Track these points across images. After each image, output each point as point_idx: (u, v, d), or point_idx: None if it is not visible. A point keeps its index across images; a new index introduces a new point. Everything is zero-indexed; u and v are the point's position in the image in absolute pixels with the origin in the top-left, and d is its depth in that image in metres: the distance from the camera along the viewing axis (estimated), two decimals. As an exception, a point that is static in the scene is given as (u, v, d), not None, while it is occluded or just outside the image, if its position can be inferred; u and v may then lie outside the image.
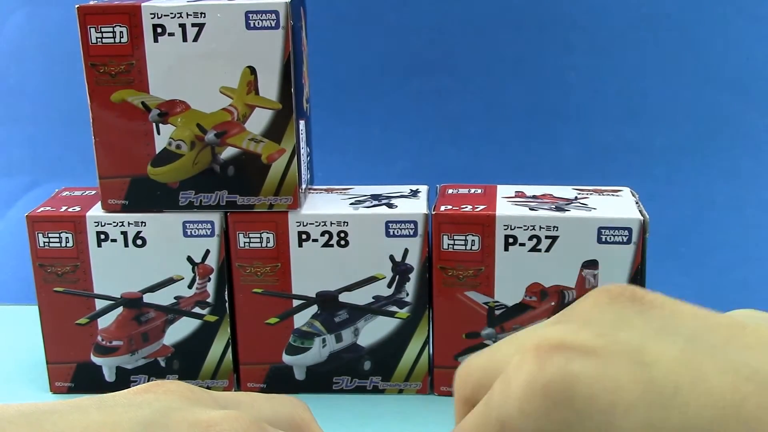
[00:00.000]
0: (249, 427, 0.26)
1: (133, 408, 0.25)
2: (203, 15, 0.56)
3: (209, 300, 0.62)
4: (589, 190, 0.63)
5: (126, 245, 0.60)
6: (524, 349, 0.23)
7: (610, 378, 0.21)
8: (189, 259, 0.61)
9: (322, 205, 0.61)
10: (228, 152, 0.59)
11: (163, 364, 0.63)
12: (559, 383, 0.21)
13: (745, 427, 0.19)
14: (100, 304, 0.62)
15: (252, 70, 0.57)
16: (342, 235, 0.59)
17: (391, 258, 0.60)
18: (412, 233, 0.59)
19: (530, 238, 0.57)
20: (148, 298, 0.62)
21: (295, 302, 0.61)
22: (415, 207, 0.60)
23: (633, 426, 0.20)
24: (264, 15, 0.56)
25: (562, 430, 0.21)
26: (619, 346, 0.22)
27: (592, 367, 0.21)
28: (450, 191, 0.63)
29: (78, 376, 0.64)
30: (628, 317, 0.23)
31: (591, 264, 0.57)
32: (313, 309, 0.61)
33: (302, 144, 0.61)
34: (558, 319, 0.25)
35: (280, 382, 0.63)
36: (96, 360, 0.63)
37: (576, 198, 0.61)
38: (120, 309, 0.62)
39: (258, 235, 0.60)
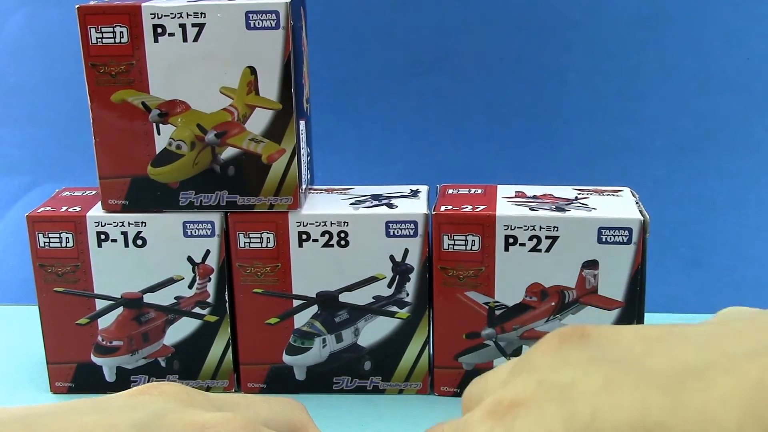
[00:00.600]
0: (244, 429, 0.26)
1: (128, 410, 0.25)
2: (203, 15, 0.56)
3: (209, 300, 0.62)
4: (589, 190, 0.63)
5: (126, 245, 0.60)
6: (481, 408, 0.25)
7: (543, 425, 0.22)
8: (189, 259, 0.61)
9: (322, 205, 0.61)
10: (228, 152, 0.59)
11: (163, 364, 0.63)
12: None
13: None
14: (100, 304, 0.62)
15: (252, 70, 0.57)
16: (342, 235, 0.59)
17: (392, 258, 0.60)
18: (412, 233, 0.59)
19: (530, 238, 0.57)
20: (148, 298, 0.62)
21: (296, 302, 0.61)
22: (416, 207, 0.60)
23: None
24: (264, 15, 0.56)
25: None
26: (552, 390, 0.23)
27: (529, 419, 0.23)
28: (450, 191, 0.63)
29: (78, 377, 0.64)
30: (569, 356, 0.24)
31: (591, 264, 0.57)
32: (314, 309, 0.61)
33: (302, 144, 0.61)
34: (512, 370, 0.26)
35: (280, 382, 0.63)
36: (96, 360, 0.63)
37: (576, 198, 0.61)
38: (120, 309, 0.62)
39: (258, 235, 0.60)
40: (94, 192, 0.64)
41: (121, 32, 0.57)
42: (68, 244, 0.60)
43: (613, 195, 0.61)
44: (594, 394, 0.22)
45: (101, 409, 0.25)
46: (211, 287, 0.61)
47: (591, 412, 0.21)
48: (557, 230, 0.57)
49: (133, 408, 0.25)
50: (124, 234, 0.60)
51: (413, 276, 0.60)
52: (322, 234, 0.59)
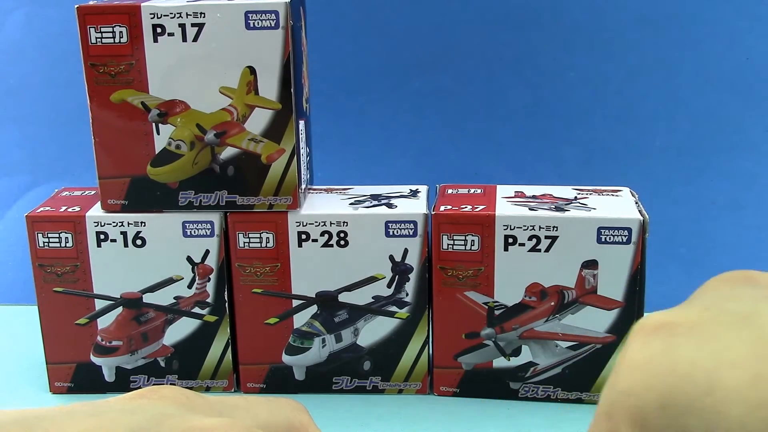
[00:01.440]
0: None
1: (126, 414, 0.25)
2: (203, 15, 0.56)
3: (209, 300, 0.62)
4: (588, 190, 0.63)
5: (126, 245, 0.60)
6: (632, 333, 0.23)
7: (713, 342, 0.21)
8: (189, 259, 0.61)
9: (321, 205, 0.61)
10: (228, 152, 0.59)
11: (162, 364, 0.63)
12: (659, 356, 0.22)
13: None
14: (99, 304, 0.62)
15: (252, 70, 0.57)
16: (342, 235, 0.59)
17: (391, 258, 0.60)
18: (411, 233, 0.59)
19: (530, 238, 0.57)
20: (147, 298, 0.62)
21: (295, 302, 0.61)
22: (415, 207, 0.60)
23: (739, 382, 0.20)
24: (264, 15, 0.56)
25: (665, 400, 0.21)
26: (724, 316, 0.22)
27: (695, 336, 0.21)
28: (450, 191, 0.63)
29: (78, 376, 0.64)
30: (738, 293, 0.23)
31: (591, 264, 0.57)
32: (313, 309, 0.61)
33: (302, 144, 0.61)
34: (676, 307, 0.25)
35: (279, 382, 0.63)
36: (96, 360, 0.63)
37: (576, 198, 0.61)
38: (120, 309, 0.62)
39: (258, 235, 0.60)
40: (93, 192, 0.64)
41: (121, 32, 0.57)
42: (68, 244, 0.60)
43: (613, 195, 0.61)
44: None
45: (99, 413, 0.25)
46: (210, 287, 0.61)
47: None
48: (557, 230, 0.57)
49: (132, 412, 0.25)
50: (124, 234, 0.60)
51: (413, 276, 0.60)
52: (322, 234, 0.59)
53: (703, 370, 0.21)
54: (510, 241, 0.58)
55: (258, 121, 0.58)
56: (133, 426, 0.24)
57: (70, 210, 0.61)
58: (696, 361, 0.21)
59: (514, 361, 0.61)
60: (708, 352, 0.21)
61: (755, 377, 0.20)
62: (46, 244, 0.60)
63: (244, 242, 0.60)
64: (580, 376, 0.60)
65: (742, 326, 0.21)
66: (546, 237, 0.57)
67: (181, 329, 0.62)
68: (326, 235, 0.59)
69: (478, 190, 0.63)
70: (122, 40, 0.57)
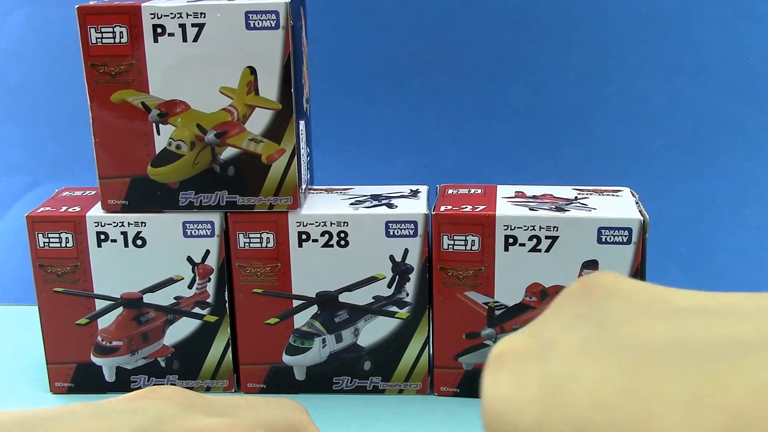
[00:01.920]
0: None
1: (128, 415, 0.25)
2: (203, 15, 0.56)
3: (209, 300, 0.62)
4: (589, 190, 0.63)
5: (126, 245, 0.60)
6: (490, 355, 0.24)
7: (517, 376, 0.21)
8: (189, 259, 0.61)
9: (322, 205, 0.61)
10: (228, 152, 0.59)
11: (163, 364, 0.63)
12: (484, 395, 0.23)
13: (608, 420, 0.18)
14: (100, 304, 0.62)
15: (252, 70, 0.57)
16: (342, 235, 0.59)
17: (391, 258, 0.60)
18: (412, 233, 0.59)
19: (530, 238, 0.57)
20: (148, 298, 0.62)
21: (295, 302, 0.61)
22: (415, 207, 0.60)
23: (528, 427, 0.20)
24: (264, 15, 0.56)
25: None
26: (536, 343, 0.22)
27: (511, 374, 0.22)
28: (450, 191, 0.63)
29: (78, 377, 0.64)
30: (564, 312, 0.23)
31: (591, 264, 0.57)
32: (313, 309, 0.61)
33: (302, 144, 0.61)
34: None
35: (280, 382, 0.63)
36: (96, 360, 0.63)
37: (576, 198, 0.61)
38: (120, 309, 0.62)
39: (258, 236, 0.60)
40: (93, 192, 0.64)
41: (121, 32, 0.57)
42: (68, 244, 0.60)
43: (613, 195, 0.61)
44: (567, 357, 0.20)
45: (101, 413, 0.25)
46: (210, 287, 0.61)
47: (562, 375, 0.19)
48: (557, 230, 0.57)
49: (133, 413, 0.25)
50: (124, 234, 0.60)
51: (413, 276, 0.60)
52: (322, 234, 0.59)
53: (509, 410, 0.21)
54: (510, 242, 0.58)
55: (258, 121, 0.58)
56: (135, 427, 0.24)
57: (70, 210, 0.61)
58: (506, 398, 0.21)
59: (515, 361, 0.61)
60: (513, 389, 0.21)
61: (539, 423, 0.19)
62: (46, 244, 0.60)
63: (245, 242, 0.60)
64: (580, 376, 0.60)
65: (539, 359, 0.21)
66: (546, 237, 0.57)
67: (181, 329, 0.62)
68: (326, 235, 0.59)
69: (479, 190, 0.63)
70: (122, 40, 0.57)
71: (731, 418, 0.15)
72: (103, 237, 0.60)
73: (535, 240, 0.57)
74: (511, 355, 0.22)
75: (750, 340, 0.17)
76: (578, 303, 0.23)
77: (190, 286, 0.61)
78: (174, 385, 0.61)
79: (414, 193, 0.63)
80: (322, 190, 0.65)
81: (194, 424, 0.25)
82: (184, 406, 0.27)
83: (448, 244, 0.58)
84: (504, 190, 0.63)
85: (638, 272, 0.57)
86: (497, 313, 0.59)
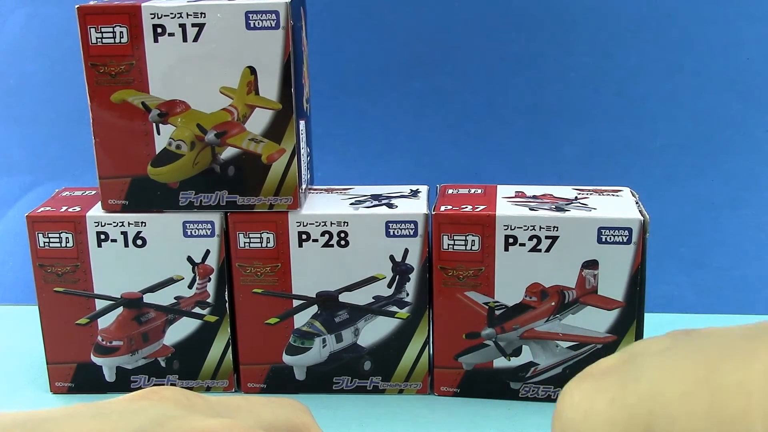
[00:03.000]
0: None
1: (128, 416, 0.25)
2: (203, 15, 0.56)
3: (209, 300, 0.62)
4: (589, 190, 0.63)
5: (126, 245, 0.60)
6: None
7: (611, 391, 0.24)
8: (189, 259, 0.61)
9: (322, 205, 0.61)
10: (228, 152, 0.59)
11: (163, 364, 0.63)
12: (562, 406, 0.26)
13: None
14: (100, 304, 0.62)
15: (252, 70, 0.57)
16: (342, 235, 0.59)
17: (391, 258, 0.60)
18: (412, 233, 0.59)
19: (530, 238, 0.57)
20: (148, 298, 0.62)
21: (295, 302, 0.61)
22: (415, 207, 0.60)
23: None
24: (264, 15, 0.56)
25: None
26: (628, 361, 0.25)
27: (608, 381, 0.24)
28: (450, 191, 0.63)
29: (78, 377, 0.64)
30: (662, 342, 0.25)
31: (591, 264, 0.57)
32: (313, 309, 0.61)
33: (302, 144, 0.61)
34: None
35: (280, 382, 0.63)
36: (96, 360, 0.63)
37: (576, 198, 0.61)
38: (120, 309, 0.62)
39: (258, 235, 0.60)
40: (94, 192, 0.64)
41: (121, 32, 0.57)
42: (68, 244, 0.60)
43: (613, 195, 0.61)
44: (656, 365, 0.22)
45: (100, 414, 0.25)
46: (211, 287, 0.61)
47: (649, 380, 0.22)
48: (557, 230, 0.57)
49: (133, 414, 0.25)
50: (124, 234, 0.60)
51: (413, 276, 0.60)
52: (322, 234, 0.59)
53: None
54: (510, 241, 0.58)
55: (258, 121, 0.58)
56: (135, 428, 0.24)
57: (70, 210, 0.61)
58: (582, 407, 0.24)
59: (515, 361, 0.61)
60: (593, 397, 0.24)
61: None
62: (46, 244, 0.60)
63: (245, 242, 0.60)
64: (580, 376, 0.60)
65: (625, 365, 0.24)
66: (546, 237, 0.57)
67: (181, 329, 0.62)
68: (327, 235, 0.59)
69: (479, 190, 0.63)
70: (123, 40, 0.57)
71: None
72: (103, 237, 0.60)
73: (535, 240, 0.57)
74: (610, 369, 0.25)
75: None
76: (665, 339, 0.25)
77: (190, 286, 0.61)
78: (174, 385, 0.61)
79: (414, 193, 0.63)
80: (322, 190, 0.65)
81: (194, 424, 0.25)
82: (183, 407, 0.27)
83: (448, 244, 0.58)
84: (504, 190, 0.63)
85: (638, 272, 0.57)
86: (497, 313, 0.59)
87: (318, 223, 0.59)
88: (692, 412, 0.20)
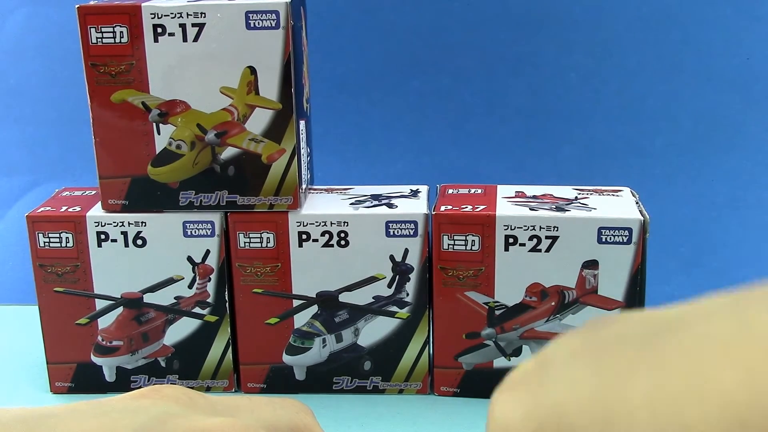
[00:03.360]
0: None
1: (129, 414, 0.25)
2: (203, 15, 0.56)
3: (209, 300, 0.62)
4: (589, 190, 0.63)
5: (126, 245, 0.60)
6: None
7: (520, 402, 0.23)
8: (189, 259, 0.61)
9: (322, 205, 0.61)
10: (228, 152, 0.59)
11: (163, 364, 0.63)
12: (490, 416, 0.24)
13: None
14: (100, 304, 0.62)
15: (252, 70, 0.57)
16: (342, 235, 0.59)
17: (392, 258, 0.60)
18: (412, 233, 0.59)
19: (530, 238, 0.57)
20: (148, 298, 0.62)
21: (295, 302, 0.61)
22: (416, 207, 0.60)
23: None
24: (264, 15, 0.56)
25: None
26: (537, 363, 0.24)
27: (507, 395, 0.24)
28: (450, 191, 0.63)
29: (78, 377, 0.64)
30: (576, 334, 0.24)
31: (591, 264, 0.57)
32: (313, 309, 0.61)
33: (302, 144, 0.61)
34: None
35: (280, 382, 0.63)
36: (96, 360, 0.63)
37: (576, 198, 0.61)
38: (120, 309, 0.62)
39: (258, 235, 0.60)
40: (94, 192, 0.64)
41: (121, 32, 0.57)
42: (68, 244, 0.60)
43: (613, 195, 0.61)
44: (559, 366, 0.22)
45: (102, 412, 0.25)
46: (211, 287, 0.61)
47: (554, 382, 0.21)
48: (557, 230, 0.57)
49: (135, 412, 0.25)
50: (124, 234, 0.60)
51: (413, 276, 0.60)
52: (322, 234, 0.59)
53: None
54: (510, 241, 0.58)
55: (258, 121, 0.58)
56: (136, 426, 0.24)
57: (70, 210, 0.61)
58: (505, 416, 0.23)
59: (515, 361, 0.61)
60: (513, 406, 0.23)
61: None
62: (46, 244, 0.60)
63: (245, 242, 0.60)
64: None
65: (539, 375, 0.23)
66: (546, 237, 0.57)
67: (181, 329, 0.62)
68: (327, 235, 0.59)
69: (479, 190, 0.63)
70: (123, 40, 0.57)
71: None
72: (103, 237, 0.60)
73: (535, 240, 0.57)
74: (516, 376, 0.24)
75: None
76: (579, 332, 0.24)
77: (190, 286, 0.61)
78: (174, 384, 0.61)
79: (414, 193, 0.63)
80: (322, 190, 0.65)
81: (195, 423, 0.25)
82: (185, 405, 0.27)
83: (448, 244, 0.58)
84: (504, 190, 0.63)
85: (638, 272, 0.57)
86: (497, 312, 0.59)
87: (318, 223, 0.59)
88: (589, 429, 0.19)
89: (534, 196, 0.61)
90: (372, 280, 0.60)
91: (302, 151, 0.61)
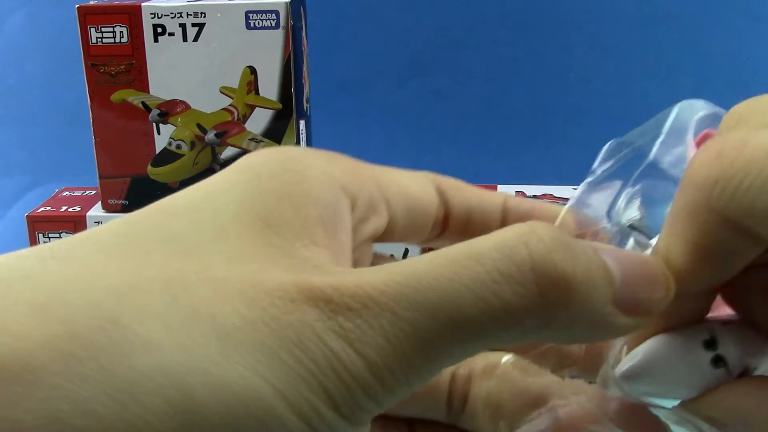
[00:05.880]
0: None
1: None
2: (203, 15, 0.56)
3: (209, 300, 0.62)
4: (589, 190, 0.63)
5: (126, 245, 0.60)
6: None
7: None
8: (189, 259, 0.61)
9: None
10: (228, 152, 0.59)
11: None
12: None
13: None
14: (100, 304, 0.62)
15: (252, 70, 0.57)
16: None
17: (392, 258, 0.60)
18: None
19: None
20: (148, 298, 0.62)
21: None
22: None
23: None
24: (264, 15, 0.56)
25: None
26: None
27: None
28: (450, 191, 0.63)
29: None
30: None
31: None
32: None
33: (302, 144, 0.61)
34: None
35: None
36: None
37: (576, 198, 0.61)
38: (120, 309, 0.62)
39: (258, 235, 0.60)
40: (93, 192, 0.64)
41: (121, 32, 0.57)
42: (68, 244, 0.60)
43: (613, 195, 0.61)
44: None
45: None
46: (211, 287, 0.61)
47: None
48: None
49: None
50: (124, 234, 0.60)
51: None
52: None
53: None
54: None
55: (258, 121, 0.58)
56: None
57: (70, 210, 0.61)
58: None
59: (515, 361, 0.61)
60: None
61: None
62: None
63: (245, 242, 0.60)
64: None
65: None
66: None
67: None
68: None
69: (479, 190, 0.63)
70: (123, 40, 0.57)
71: None
72: (103, 237, 0.60)
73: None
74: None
75: None
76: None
77: (190, 286, 0.61)
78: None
79: (414, 193, 0.63)
80: (322, 190, 0.65)
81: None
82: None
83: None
84: (504, 190, 0.63)
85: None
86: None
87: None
88: None
89: (534, 196, 0.61)
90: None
91: (302, 151, 0.61)
